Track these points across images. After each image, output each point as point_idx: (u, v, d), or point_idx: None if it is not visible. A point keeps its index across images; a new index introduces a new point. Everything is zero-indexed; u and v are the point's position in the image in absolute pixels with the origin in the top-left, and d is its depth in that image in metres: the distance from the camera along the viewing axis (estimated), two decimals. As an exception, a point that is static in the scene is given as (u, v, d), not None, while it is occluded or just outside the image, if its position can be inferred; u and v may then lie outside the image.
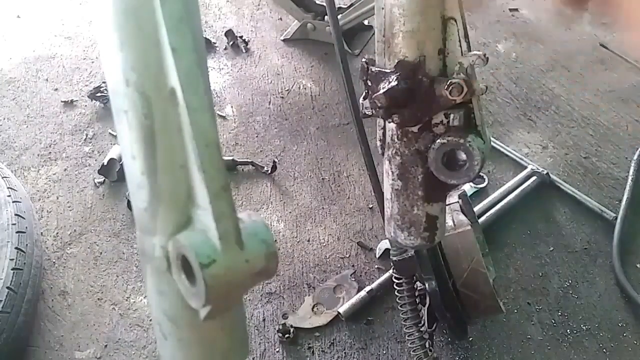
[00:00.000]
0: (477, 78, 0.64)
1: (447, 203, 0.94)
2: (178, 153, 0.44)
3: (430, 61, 0.65)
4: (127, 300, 1.31)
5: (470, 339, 1.21)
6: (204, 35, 2.10)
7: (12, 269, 1.15)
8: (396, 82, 0.62)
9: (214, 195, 0.42)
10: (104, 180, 1.58)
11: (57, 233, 1.45)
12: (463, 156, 0.63)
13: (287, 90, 1.92)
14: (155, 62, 0.42)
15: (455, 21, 0.64)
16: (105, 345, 1.22)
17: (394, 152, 0.72)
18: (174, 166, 0.44)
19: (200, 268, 0.41)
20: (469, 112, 0.67)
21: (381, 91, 0.63)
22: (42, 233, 1.43)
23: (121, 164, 1.51)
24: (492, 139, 1.68)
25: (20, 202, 1.29)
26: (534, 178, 1.54)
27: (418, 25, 0.63)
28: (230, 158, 1.62)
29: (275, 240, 1.43)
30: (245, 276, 0.44)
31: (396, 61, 0.65)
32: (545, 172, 1.54)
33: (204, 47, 0.54)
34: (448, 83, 0.62)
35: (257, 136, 1.75)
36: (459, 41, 0.66)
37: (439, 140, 0.63)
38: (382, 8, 0.66)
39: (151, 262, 0.48)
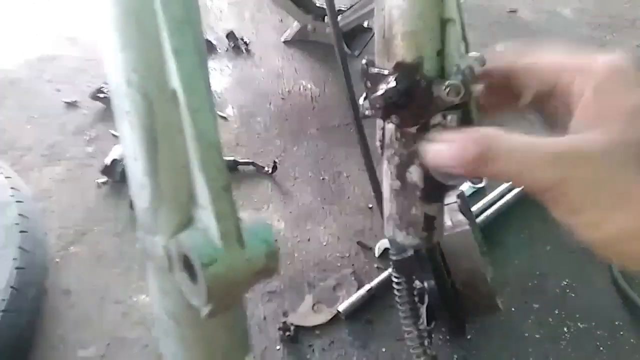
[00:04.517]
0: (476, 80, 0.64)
1: (445, 203, 0.95)
2: (180, 154, 0.44)
3: (429, 62, 0.66)
4: (129, 298, 1.32)
5: (469, 337, 1.21)
6: (205, 37, 2.11)
7: (16, 268, 1.15)
8: (394, 83, 0.63)
9: (215, 195, 0.42)
10: (107, 180, 1.59)
11: (60, 233, 1.46)
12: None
13: (288, 91, 1.93)
14: (157, 64, 0.43)
15: (454, 23, 0.64)
16: (108, 344, 1.23)
17: (392, 152, 0.73)
18: (175, 167, 0.45)
19: (201, 267, 0.41)
20: (467, 113, 0.67)
21: (379, 92, 0.63)
22: (45, 233, 1.44)
23: (123, 164, 1.51)
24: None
25: (23, 202, 1.30)
26: (532, 178, 1.54)
27: (417, 26, 0.63)
28: (232, 158, 1.63)
29: (276, 240, 1.44)
30: (246, 275, 0.44)
31: (395, 62, 0.66)
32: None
33: (205, 49, 0.55)
34: (446, 84, 0.63)
35: (258, 137, 1.76)
36: (458, 43, 0.66)
37: (436, 141, 0.63)
38: (382, 9, 0.66)
39: (153, 261, 0.49)
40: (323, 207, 1.53)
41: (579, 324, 1.24)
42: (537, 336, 1.23)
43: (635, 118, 0.30)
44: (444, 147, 0.38)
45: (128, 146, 0.46)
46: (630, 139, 0.30)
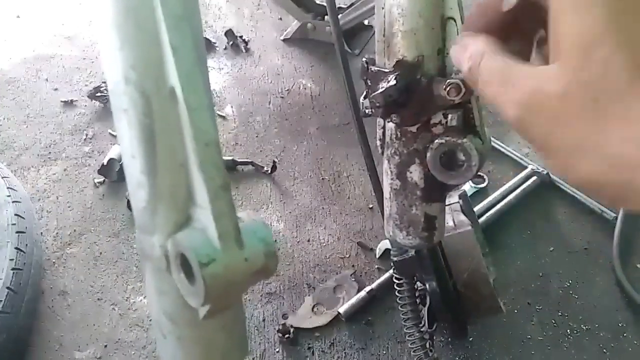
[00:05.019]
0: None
1: (447, 203, 0.94)
2: (178, 152, 0.44)
3: (429, 61, 0.65)
4: (127, 300, 1.31)
5: (471, 339, 1.21)
6: (204, 35, 2.10)
7: (12, 269, 1.15)
8: (394, 82, 0.62)
9: (213, 194, 0.42)
10: (104, 180, 1.58)
11: (57, 233, 1.45)
12: (462, 156, 0.63)
13: (287, 90, 1.92)
14: (155, 61, 0.42)
15: (455, 21, 0.64)
16: (105, 345, 1.22)
17: (392, 151, 0.72)
18: (173, 165, 0.44)
19: (199, 267, 0.41)
20: (468, 112, 0.67)
21: (379, 90, 0.63)
22: (41, 233, 1.43)
23: (121, 164, 1.50)
24: (492, 138, 1.69)
25: (20, 202, 1.29)
26: (534, 178, 1.54)
27: (417, 25, 0.63)
28: (230, 158, 1.62)
29: (275, 240, 1.44)
30: (244, 275, 0.44)
31: (395, 61, 0.65)
32: (545, 172, 1.54)
33: (203, 47, 0.54)
34: (446, 83, 0.62)
35: (257, 136, 1.75)
36: (459, 41, 0.65)
37: (437, 141, 0.63)
38: (382, 8, 0.65)
39: (150, 261, 0.48)
40: (323, 207, 1.53)
41: (582, 325, 1.24)
42: (540, 338, 1.22)
43: (591, 52, 0.27)
44: (457, 52, 0.37)
45: (126, 144, 0.46)
46: (586, 79, 0.27)
